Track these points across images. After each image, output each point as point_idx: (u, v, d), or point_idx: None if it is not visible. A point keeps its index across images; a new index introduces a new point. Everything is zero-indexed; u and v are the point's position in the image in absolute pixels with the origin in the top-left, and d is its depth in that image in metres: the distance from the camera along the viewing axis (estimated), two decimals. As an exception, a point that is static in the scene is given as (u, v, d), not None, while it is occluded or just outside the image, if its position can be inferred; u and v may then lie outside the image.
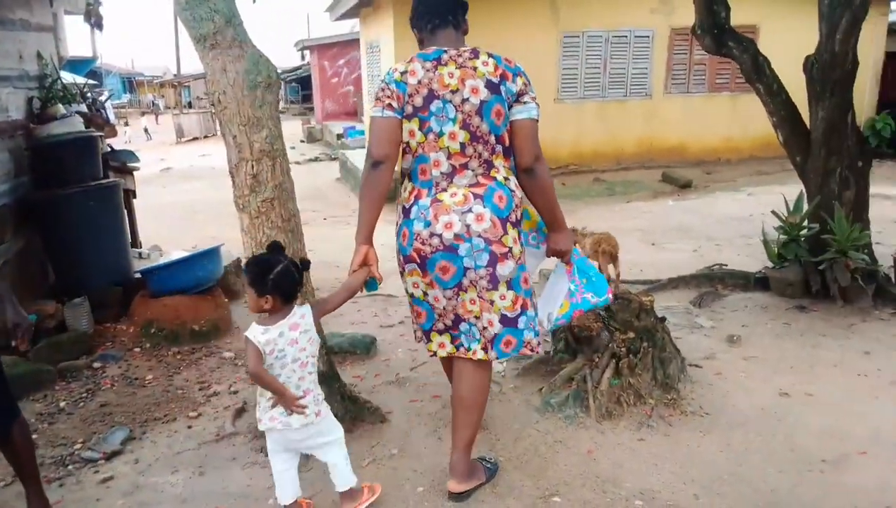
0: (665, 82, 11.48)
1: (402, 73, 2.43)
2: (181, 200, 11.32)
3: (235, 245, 6.37)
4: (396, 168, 2.51)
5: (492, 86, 2.40)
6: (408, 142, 2.46)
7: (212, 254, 4.69)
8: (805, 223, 4.85)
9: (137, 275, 4.77)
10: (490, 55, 2.47)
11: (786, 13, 11.51)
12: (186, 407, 3.52)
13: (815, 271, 4.71)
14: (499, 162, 2.47)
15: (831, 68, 4.63)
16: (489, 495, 2.62)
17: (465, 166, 2.43)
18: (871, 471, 2.73)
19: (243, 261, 5.60)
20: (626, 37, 11.14)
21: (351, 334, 4.22)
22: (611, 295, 2.75)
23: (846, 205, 4.77)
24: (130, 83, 49.08)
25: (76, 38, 43.73)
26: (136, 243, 5.71)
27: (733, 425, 3.12)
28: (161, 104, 41.77)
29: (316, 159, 17.24)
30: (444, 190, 2.43)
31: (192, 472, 2.90)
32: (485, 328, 2.48)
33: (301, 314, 2.33)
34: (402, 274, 2.59)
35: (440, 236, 2.40)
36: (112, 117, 15.37)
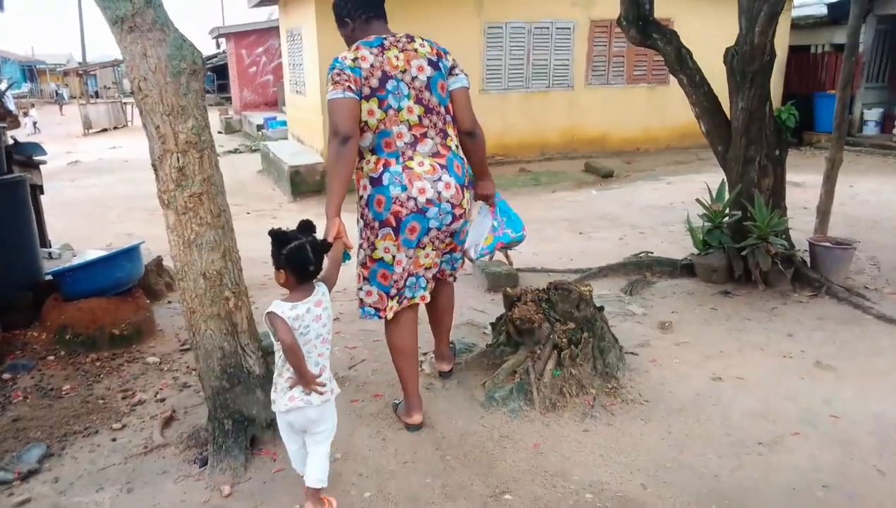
0: (586, 74, 11.69)
1: (354, 60, 2.70)
2: (92, 195, 10.71)
3: (154, 242, 6.10)
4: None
5: (433, 64, 2.81)
6: (366, 121, 2.73)
7: (131, 252, 4.42)
8: (727, 211, 5.01)
9: (49, 278, 4.44)
10: (423, 39, 2.87)
11: (699, 7, 11.92)
12: (109, 419, 3.29)
13: (737, 257, 4.88)
14: (451, 130, 2.86)
15: (751, 60, 4.78)
16: (438, 496, 2.56)
17: (424, 135, 2.78)
18: (804, 451, 2.83)
19: (166, 260, 5.26)
20: (547, 28, 11.26)
21: (284, 333, 4.05)
22: (526, 232, 3.38)
23: (765, 192, 4.96)
24: (31, 71, 46.20)
25: (-34, 22, 40.72)
26: (44, 243, 5.32)
27: (672, 411, 3.18)
28: (66, 94, 39.47)
29: (235, 151, 16.68)
30: (411, 158, 2.75)
31: (120, 489, 2.70)
32: (434, 274, 2.99)
33: (322, 292, 2.42)
34: (371, 241, 2.83)
35: (415, 199, 2.73)
36: (13, 108, 14.42)
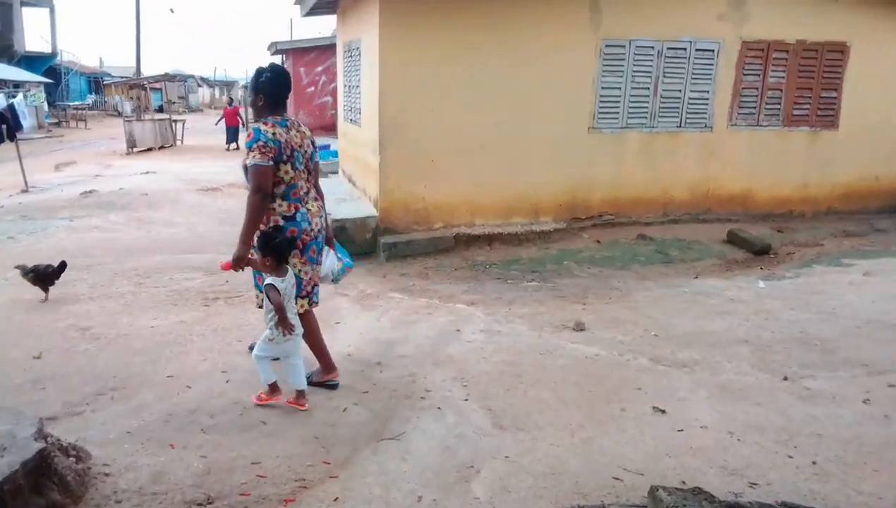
0: (730, 111, 8.82)
1: (274, 134, 3.86)
2: (82, 244, 8.37)
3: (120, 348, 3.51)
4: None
5: (313, 143, 4.20)
6: (282, 177, 3.92)
7: None
8: None
9: None
10: (302, 124, 4.19)
11: (886, 30, 8.95)
12: None
13: None
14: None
15: None
16: None
17: (309, 189, 4.14)
18: None
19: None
20: (684, 50, 8.47)
21: None
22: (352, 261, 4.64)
23: None
24: (96, 83, 45.85)
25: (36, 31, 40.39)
26: None
27: None
28: (128, 107, 38.59)
29: (281, 183, 14.37)
30: (307, 202, 4.07)
31: None
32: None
33: (291, 273, 3.87)
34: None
35: (314, 230, 4.07)
36: (27, 121, 12.30)
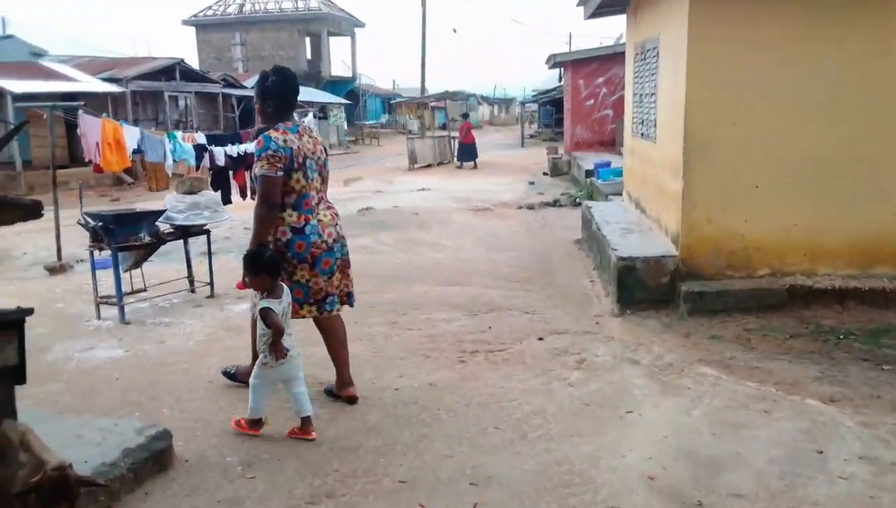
0: None
1: (285, 141, 3.81)
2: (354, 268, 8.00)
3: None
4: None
5: (324, 150, 4.16)
6: (293, 186, 3.86)
7: None
8: None
9: None
10: (312, 129, 4.23)
11: None
12: None
13: None
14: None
15: None
16: None
17: (322, 197, 4.06)
18: None
19: None
20: None
21: None
22: None
23: None
24: (389, 104, 49.80)
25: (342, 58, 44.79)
26: None
27: None
28: (415, 125, 41.12)
29: (555, 203, 13.29)
30: (318, 212, 3.96)
31: None
32: (342, 291, 4.14)
33: (287, 291, 3.75)
34: (289, 270, 3.88)
35: (326, 241, 3.96)
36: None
